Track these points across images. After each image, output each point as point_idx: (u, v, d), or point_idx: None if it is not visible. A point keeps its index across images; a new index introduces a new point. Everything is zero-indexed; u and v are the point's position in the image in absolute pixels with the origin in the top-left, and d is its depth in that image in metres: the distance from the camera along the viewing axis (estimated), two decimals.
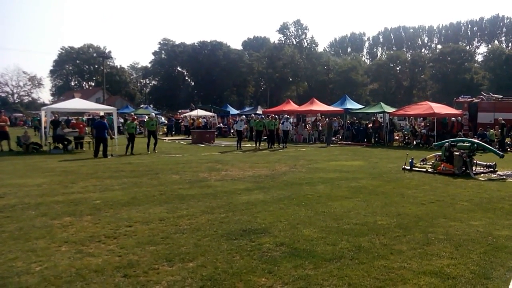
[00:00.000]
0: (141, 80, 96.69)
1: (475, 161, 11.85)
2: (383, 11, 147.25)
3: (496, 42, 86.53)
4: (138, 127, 24.10)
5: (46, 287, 3.93)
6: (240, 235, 5.52)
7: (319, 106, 28.81)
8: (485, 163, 12.10)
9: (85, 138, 19.70)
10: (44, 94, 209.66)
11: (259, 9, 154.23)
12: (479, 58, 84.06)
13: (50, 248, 4.99)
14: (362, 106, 33.47)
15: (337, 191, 8.86)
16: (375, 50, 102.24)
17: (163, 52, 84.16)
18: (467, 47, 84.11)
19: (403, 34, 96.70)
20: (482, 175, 11.36)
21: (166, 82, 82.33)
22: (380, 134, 24.77)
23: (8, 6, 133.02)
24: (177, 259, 4.63)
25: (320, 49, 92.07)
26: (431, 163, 12.50)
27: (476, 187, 9.50)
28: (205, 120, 34.47)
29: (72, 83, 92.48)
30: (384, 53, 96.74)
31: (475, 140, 14.47)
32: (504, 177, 11.09)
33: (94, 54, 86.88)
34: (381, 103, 27.20)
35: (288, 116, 25.31)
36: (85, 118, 38.87)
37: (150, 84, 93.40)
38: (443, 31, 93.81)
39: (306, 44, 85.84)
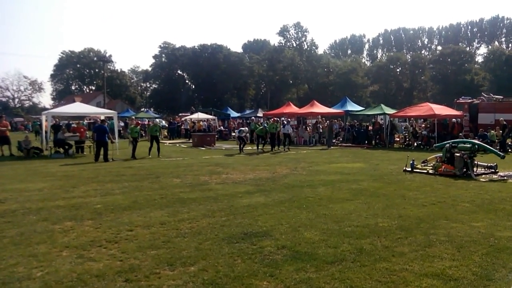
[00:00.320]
0: (142, 84, 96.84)
1: (476, 162, 11.82)
2: (383, 13, 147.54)
3: (496, 43, 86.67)
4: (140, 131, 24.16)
5: None
6: (241, 239, 5.51)
7: (319, 108, 28.81)
8: (486, 164, 12.08)
9: (86, 142, 19.72)
10: (44, 99, 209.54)
11: (259, 12, 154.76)
12: (479, 59, 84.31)
13: (51, 253, 4.99)
14: (363, 108, 33.51)
15: (338, 193, 8.85)
16: (375, 52, 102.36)
17: (163, 55, 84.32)
18: (467, 48, 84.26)
19: (403, 35, 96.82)
20: (483, 176, 11.34)
21: (167, 86, 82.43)
22: (381, 136, 24.76)
23: (8, 11, 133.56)
24: (178, 263, 4.62)
25: (320, 51, 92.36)
26: (432, 164, 12.48)
27: (477, 188, 9.48)
28: (206, 123, 34.48)
29: (73, 87, 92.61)
30: (384, 54, 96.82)
31: (475, 141, 14.47)
32: (505, 178, 11.07)
33: (95, 58, 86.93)
34: (382, 104, 27.20)
35: (289, 120, 25.35)
36: (85, 122, 38.95)
37: (151, 87, 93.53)
38: (443, 32, 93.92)
39: (306, 47, 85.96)
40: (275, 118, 23.77)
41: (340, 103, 32.66)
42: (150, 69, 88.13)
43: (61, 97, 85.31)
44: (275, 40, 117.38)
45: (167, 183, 10.27)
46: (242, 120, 40.62)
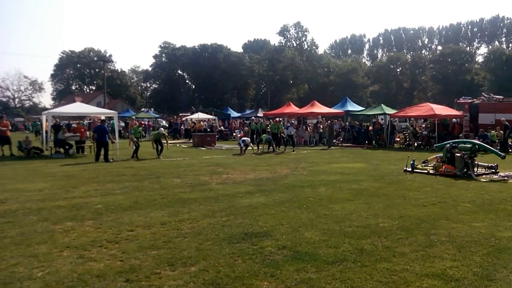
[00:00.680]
0: (142, 84, 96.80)
1: (476, 162, 11.82)
2: (383, 12, 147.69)
3: (497, 43, 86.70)
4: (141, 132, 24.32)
5: None
6: (242, 239, 5.51)
7: (320, 108, 28.80)
8: (487, 164, 12.08)
9: (86, 142, 19.72)
10: (45, 99, 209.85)
11: (259, 12, 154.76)
12: (479, 59, 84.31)
13: (52, 253, 4.99)
14: (363, 108, 33.54)
15: (339, 193, 8.84)
16: (375, 51, 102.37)
17: (163, 55, 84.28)
18: (468, 48, 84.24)
19: (403, 35, 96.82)
20: (483, 176, 11.34)
21: (167, 86, 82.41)
22: (381, 136, 24.75)
23: (8, 11, 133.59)
24: (179, 263, 4.62)
25: (320, 51, 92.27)
26: (432, 164, 12.48)
27: (478, 188, 9.48)
28: (206, 123, 34.45)
29: (73, 87, 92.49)
30: (384, 54, 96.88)
31: (476, 141, 14.47)
32: (506, 178, 11.07)
33: (95, 58, 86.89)
34: (382, 104, 27.22)
35: (293, 122, 25.48)
36: (86, 122, 38.96)
37: (151, 87, 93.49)
38: (443, 32, 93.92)
39: (306, 46, 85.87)
40: (278, 119, 23.83)
41: (340, 103, 32.66)
42: (150, 69, 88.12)
43: (61, 97, 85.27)
44: (275, 40, 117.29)
45: (167, 183, 10.27)
46: (242, 120, 40.65)
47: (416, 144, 22.72)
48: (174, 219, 6.55)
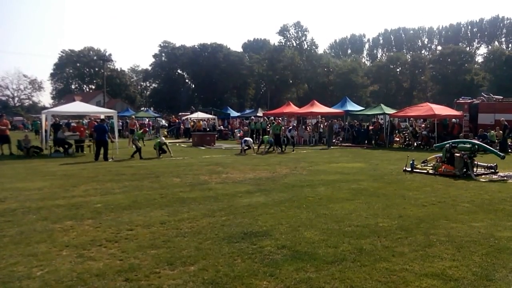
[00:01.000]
0: (142, 83, 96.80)
1: (476, 162, 11.83)
2: (383, 12, 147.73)
3: (496, 43, 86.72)
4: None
5: None
6: (241, 238, 5.51)
7: (319, 108, 28.79)
8: (486, 164, 12.09)
9: (86, 141, 19.71)
10: (44, 98, 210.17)
11: (259, 11, 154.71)
12: (479, 59, 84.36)
13: (51, 252, 4.99)
14: (363, 108, 33.51)
15: (338, 193, 8.84)
16: (375, 51, 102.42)
17: (163, 54, 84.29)
18: (467, 48, 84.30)
19: (403, 35, 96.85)
20: (483, 176, 11.34)
21: (167, 85, 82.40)
22: (381, 136, 24.76)
23: (8, 9, 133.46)
24: (178, 262, 4.62)
25: (320, 51, 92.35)
26: (432, 164, 12.48)
27: (477, 188, 9.48)
28: (206, 122, 34.43)
29: (73, 86, 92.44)
30: (384, 54, 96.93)
31: (475, 141, 14.47)
32: (505, 178, 11.07)
33: (95, 57, 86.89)
34: (382, 104, 27.21)
35: (294, 125, 25.56)
36: (85, 121, 38.94)
37: (151, 87, 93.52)
38: (443, 32, 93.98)
39: (306, 46, 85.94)
40: (279, 120, 23.92)
41: (340, 103, 32.66)
42: (150, 68, 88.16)
43: (61, 96, 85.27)
44: (275, 39, 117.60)
45: (167, 182, 10.27)
46: (242, 120, 40.66)
47: (415, 144, 22.72)
48: (173, 219, 6.55)
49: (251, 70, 79.46)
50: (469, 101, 25.84)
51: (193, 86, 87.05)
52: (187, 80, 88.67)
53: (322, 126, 27.06)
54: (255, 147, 20.09)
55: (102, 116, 19.86)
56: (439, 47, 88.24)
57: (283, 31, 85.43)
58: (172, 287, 3.99)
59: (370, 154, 18.86)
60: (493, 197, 8.37)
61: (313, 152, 20.22)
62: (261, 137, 23.58)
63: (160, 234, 5.70)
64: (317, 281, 4.10)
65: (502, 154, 12.80)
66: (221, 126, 35.54)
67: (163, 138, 18.33)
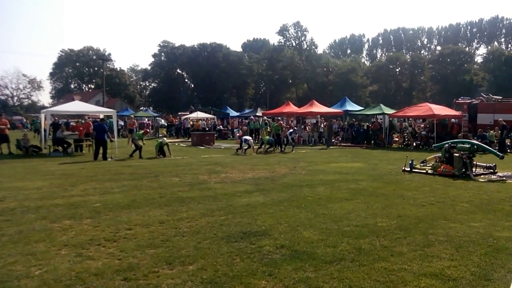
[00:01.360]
0: (141, 83, 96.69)
1: (475, 163, 11.84)
2: (382, 12, 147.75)
3: (496, 43, 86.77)
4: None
5: None
6: (240, 238, 5.51)
7: (318, 108, 28.79)
8: (485, 164, 12.10)
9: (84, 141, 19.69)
10: (43, 97, 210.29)
11: (259, 11, 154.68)
12: (478, 59, 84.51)
13: (50, 251, 4.98)
14: (362, 108, 33.48)
15: (337, 193, 8.85)
16: (374, 51, 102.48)
17: (162, 54, 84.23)
18: (467, 49, 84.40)
19: (402, 35, 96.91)
20: (482, 176, 11.35)
21: (166, 85, 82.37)
22: (380, 136, 24.76)
23: (7, 9, 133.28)
24: (177, 262, 4.62)
25: (319, 50, 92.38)
26: (431, 164, 12.49)
27: (476, 188, 9.49)
28: (205, 122, 34.43)
29: (72, 86, 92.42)
30: (383, 54, 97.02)
31: (474, 141, 14.48)
32: (504, 178, 11.08)
33: (94, 57, 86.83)
34: (381, 104, 27.20)
35: (295, 128, 25.56)
36: (83, 121, 38.87)
37: (150, 86, 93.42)
38: (443, 32, 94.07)
39: (305, 46, 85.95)
40: (281, 122, 23.92)
41: (339, 103, 32.65)
42: (149, 68, 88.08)
43: (60, 95, 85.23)
44: (274, 39, 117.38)
45: (166, 182, 10.26)
46: (241, 119, 40.64)
47: (414, 144, 22.74)
48: (172, 218, 6.55)
49: (251, 70, 79.46)
50: (468, 101, 25.86)
51: (193, 85, 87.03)
52: (186, 80, 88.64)
53: (321, 126, 27.05)
54: (255, 147, 20.08)
55: (102, 116, 19.84)
56: (439, 47, 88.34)
57: (282, 31, 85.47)
58: (171, 287, 3.99)
59: (369, 154, 18.87)
60: (492, 197, 8.38)
61: (312, 152, 20.23)
62: (260, 137, 23.58)
63: (159, 234, 5.70)
64: (316, 281, 4.10)
65: (501, 154, 12.81)
66: (221, 126, 35.54)
67: (165, 139, 18.24)
